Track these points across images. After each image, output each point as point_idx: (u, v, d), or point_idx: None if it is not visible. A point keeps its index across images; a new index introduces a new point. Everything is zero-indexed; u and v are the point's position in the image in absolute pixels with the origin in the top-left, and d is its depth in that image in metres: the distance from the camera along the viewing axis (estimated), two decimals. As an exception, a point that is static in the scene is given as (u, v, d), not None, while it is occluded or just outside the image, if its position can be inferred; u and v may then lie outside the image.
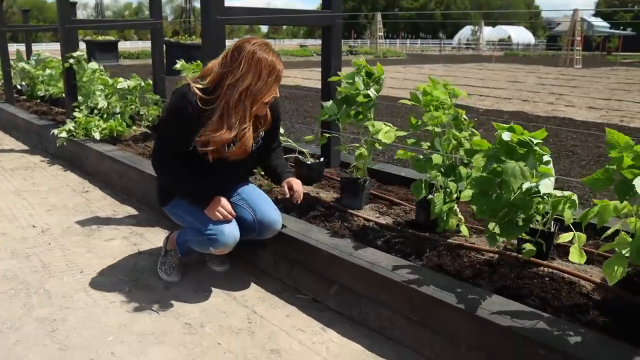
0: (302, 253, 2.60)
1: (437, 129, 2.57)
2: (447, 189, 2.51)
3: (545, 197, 2.09)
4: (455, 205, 2.53)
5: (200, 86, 2.37)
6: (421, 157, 2.56)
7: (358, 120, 2.98)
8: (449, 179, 2.50)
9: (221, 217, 2.47)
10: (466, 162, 2.46)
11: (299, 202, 2.73)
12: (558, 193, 2.15)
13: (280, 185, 2.79)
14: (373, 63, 3.00)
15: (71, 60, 5.36)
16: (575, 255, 2.03)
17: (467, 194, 2.34)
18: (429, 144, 2.60)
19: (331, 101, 3.03)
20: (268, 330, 2.32)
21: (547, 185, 2.03)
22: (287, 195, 2.72)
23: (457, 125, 2.53)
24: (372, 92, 2.89)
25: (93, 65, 5.41)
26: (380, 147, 2.96)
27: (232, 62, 2.33)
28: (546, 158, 2.11)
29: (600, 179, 1.83)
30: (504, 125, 2.09)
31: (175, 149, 2.47)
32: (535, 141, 2.04)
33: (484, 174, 2.10)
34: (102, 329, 2.32)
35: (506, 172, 2.00)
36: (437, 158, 2.51)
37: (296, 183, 2.72)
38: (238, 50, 2.34)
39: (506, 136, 2.04)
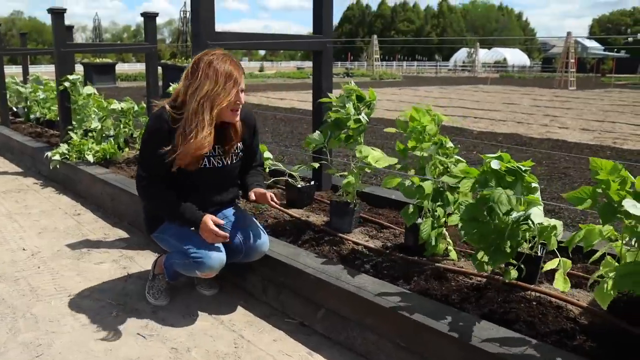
0: (290, 277, 2.60)
1: (425, 154, 2.58)
2: (435, 214, 2.52)
3: (532, 225, 2.11)
4: (444, 230, 2.53)
5: (172, 104, 2.48)
6: (407, 182, 2.57)
7: (348, 144, 3.00)
8: (437, 204, 2.51)
9: (216, 237, 2.46)
10: (453, 186, 2.47)
11: (274, 201, 2.65)
12: (545, 222, 2.17)
13: (248, 198, 2.73)
14: (369, 85, 3.04)
15: (66, 84, 5.39)
16: (560, 283, 2.04)
17: (455, 218, 2.35)
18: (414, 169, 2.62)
19: (317, 132, 3.07)
20: (254, 355, 2.30)
21: (537, 215, 2.04)
22: (264, 196, 2.63)
23: (443, 152, 2.55)
24: (362, 117, 2.91)
25: (88, 89, 5.44)
26: (369, 171, 2.97)
27: (192, 74, 2.44)
28: (534, 185, 2.13)
29: (581, 197, 1.84)
30: (491, 155, 2.11)
31: (157, 170, 2.49)
32: (523, 169, 2.06)
33: (472, 202, 2.12)
34: (88, 353, 2.30)
35: (493, 199, 2.01)
36: (428, 187, 2.50)
37: (260, 191, 2.67)
38: (197, 63, 2.45)
39: (495, 164, 2.06)
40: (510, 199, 1.99)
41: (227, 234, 2.50)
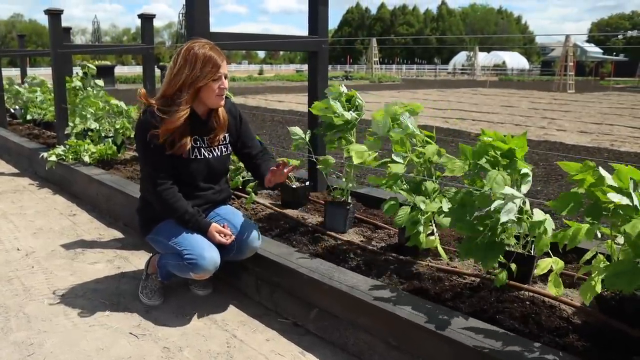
0: (284, 277, 2.59)
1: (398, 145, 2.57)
2: (414, 205, 2.49)
3: (519, 218, 2.09)
4: (434, 228, 2.51)
5: (160, 99, 2.54)
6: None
7: (341, 144, 2.99)
8: (416, 195, 2.49)
9: (223, 239, 2.54)
10: (434, 178, 2.49)
11: (285, 170, 2.61)
12: (539, 216, 2.13)
13: (267, 183, 2.69)
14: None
15: (80, 74, 5.42)
16: (552, 287, 2.03)
17: (435, 206, 2.34)
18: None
19: (296, 127, 3.08)
20: (247, 354, 2.29)
21: (509, 211, 1.98)
22: (276, 170, 2.59)
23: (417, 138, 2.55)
24: (350, 115, 2.89)
25: (99, 82, 5.47)
26: (354, 170, 2.96)
27: (174, 63, 2.50)
28: (525, 171, 2.12)
29: (563, 202, 1.83)
30: (490, 131, 2.11)
31: (161, 167, 2.51)
32: (515, 151, 2.05)
33: (460, 193, 2.10)
34: (79, 353, 2.30)
35: (489, 180, 2.00)
36: (398, 168, 2.48)
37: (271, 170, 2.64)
38: (178, 52, 2.52)
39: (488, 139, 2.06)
40: (505, 180, 1.97)
41: (233, 238, 2.56)
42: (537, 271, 2.12)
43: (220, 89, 2.53)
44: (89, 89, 5.38)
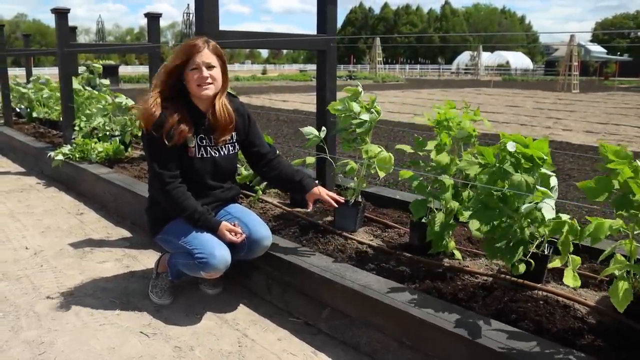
0: (295, 276, 2.58)
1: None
2: (448, 207, 2.48)
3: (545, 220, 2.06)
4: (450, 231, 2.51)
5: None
6: (421, 178, 2.55)
7: (353, 145, 2.97)
8: (453, 200, 2.48)
9: (234, 238, 2.52)
10: (465, 183, 2.46)
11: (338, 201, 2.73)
12: (563, 216, 2.12)
13: (305, 198, 2.77)
14: (372, 88, 3.05)
15: (88, 67, 5.44)
16: (570, 279, 2.01)
17: (467, 214, 2.32)
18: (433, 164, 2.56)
19: (308, 126, 3.05)
20: (258, 353, 2.28)
21: (548, 209, 1.98)
22: (330, 202, 2.72)
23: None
24: (369, 116, 2.88)
25: (105, 81, 5.47)
26: (373, 172, 2.94)
27: None
28: (551, 176, 2.09)
29: (594, 187, 1.81)
30: (510, 135, 2.09)
31: (167, 163, 2.50)
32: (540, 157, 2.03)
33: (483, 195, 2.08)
34: (90, 351, 2.29)
35: (512, 185, 1.98)
36: (448, 182, 2.46)
37: (323, 190, 2.76)
38: None
39: (511, 146, 2.04)
40: (529, 185, 1.95)
41: (244, 236, 2.55)
42: (552, 264, 2.11)
43: (199, 78, 2.49)
44: (96, 86, 5.38)
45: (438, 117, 2.59)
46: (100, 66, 5.48)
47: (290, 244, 2.80)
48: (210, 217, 2.55)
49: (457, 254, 2.52)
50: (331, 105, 2.95)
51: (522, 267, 2.14)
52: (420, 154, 2.71)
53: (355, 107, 2.89)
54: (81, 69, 6.45)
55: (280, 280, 2.68)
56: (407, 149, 2.82)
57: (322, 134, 3.06)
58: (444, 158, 2.48)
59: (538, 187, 2.00)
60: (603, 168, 1.79)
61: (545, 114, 13.31)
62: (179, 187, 2.52)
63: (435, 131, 2.60)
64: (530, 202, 1.97)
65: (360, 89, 2.95)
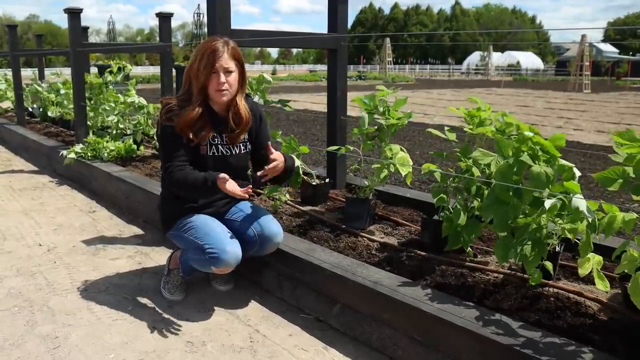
0: (306, 272, 2.59)
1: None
2: (469, 205, 2.48)
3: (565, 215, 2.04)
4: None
5: (180, 95, 2.62)
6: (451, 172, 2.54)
7: (373, 144, 2.98)
8: (475, 197, 2.47)
9: (238, 190, 2.41)
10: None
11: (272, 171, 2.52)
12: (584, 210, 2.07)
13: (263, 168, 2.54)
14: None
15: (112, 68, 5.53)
16: (600, 283, 2.01)
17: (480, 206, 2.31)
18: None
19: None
20: (270, 349, 2.30)
21: (582, 204, 1.93)
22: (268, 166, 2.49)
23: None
24: (395, 120, 2.89)
25: (131, 81, 5.56)
26: (393, 171, 2.93)
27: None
28: (570, 165, 2.07)
29: (610, 177, 1.80)
30: (526, 124, 2.08)
31: (176, 155, 2.52)
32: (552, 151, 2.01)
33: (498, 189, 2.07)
34: (104, 346, 2.31)
35: (532, 177, 1.97)
36: (472, 183, 2.44)
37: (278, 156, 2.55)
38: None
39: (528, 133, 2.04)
40: (548, 176, 1.94)
41: (250, 190, 2.45)
42: (581, 270, 2.08)
43: (218, 83, 2.49)
44: (110, 87, 5.45)
45: (498, 125, 2.54)
46: (130, 66, 5.61)
47: (302, 241, 2.82)
48: (215, 174, 2.45)
49: (470, 251, 2.53)
50: (355, 99, 2.97)
51: (539, 275, 2.10)
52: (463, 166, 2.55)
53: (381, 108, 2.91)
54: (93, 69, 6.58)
55: (291, 276, 2.69)
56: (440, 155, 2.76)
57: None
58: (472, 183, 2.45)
59: (563, 181, 1.98)
60: (617, 158, 1.78)
61: (556, 114, 13.25)
62: (182, 170, 2.51)
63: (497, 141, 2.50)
64: (551, 197, 1.94)
65: (391, 89, 2.98)
